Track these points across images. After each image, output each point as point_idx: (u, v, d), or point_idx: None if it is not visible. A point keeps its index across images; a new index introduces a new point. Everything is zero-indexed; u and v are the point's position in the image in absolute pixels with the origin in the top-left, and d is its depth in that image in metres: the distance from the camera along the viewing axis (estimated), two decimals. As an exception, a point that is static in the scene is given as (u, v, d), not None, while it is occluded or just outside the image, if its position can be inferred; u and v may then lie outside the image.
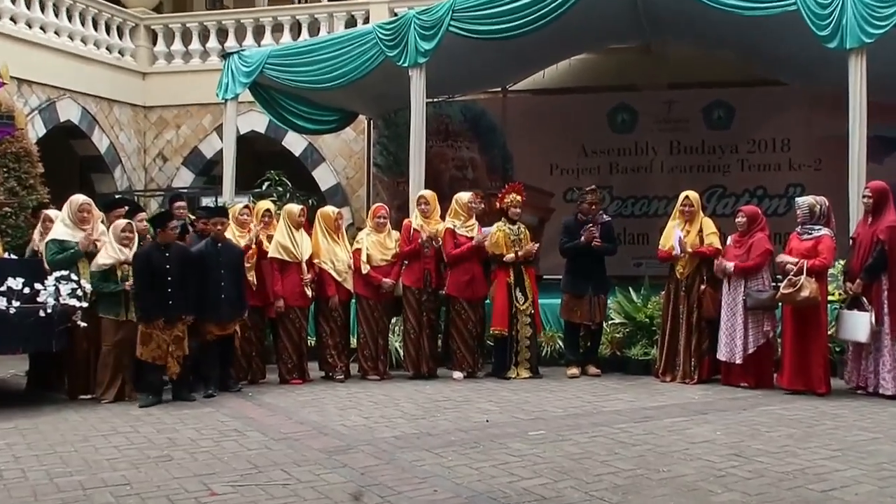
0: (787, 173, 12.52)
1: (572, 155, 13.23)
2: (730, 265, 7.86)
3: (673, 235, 8.22)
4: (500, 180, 13.40)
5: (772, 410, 6.79)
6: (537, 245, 8.59)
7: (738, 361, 7.81)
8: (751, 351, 7.78)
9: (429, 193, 8.78)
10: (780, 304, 7.60)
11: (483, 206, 9.06)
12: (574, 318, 8.58)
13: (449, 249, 8.39)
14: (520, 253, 8.39)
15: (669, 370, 8.24)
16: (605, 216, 8.83)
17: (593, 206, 8.65)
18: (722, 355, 7.91)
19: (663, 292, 8.49)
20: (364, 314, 8.47)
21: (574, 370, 8.58)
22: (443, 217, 8.68)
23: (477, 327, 8.50)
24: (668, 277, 8.35)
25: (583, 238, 8.46)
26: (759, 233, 7.88)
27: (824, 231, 7.56)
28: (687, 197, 8.25)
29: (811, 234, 7.56)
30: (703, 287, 8.05)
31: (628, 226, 12.74)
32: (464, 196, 8.62)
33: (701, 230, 8.16)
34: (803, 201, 7.70)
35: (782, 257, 7.65)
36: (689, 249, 8.11)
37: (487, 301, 8.65)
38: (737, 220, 8.04)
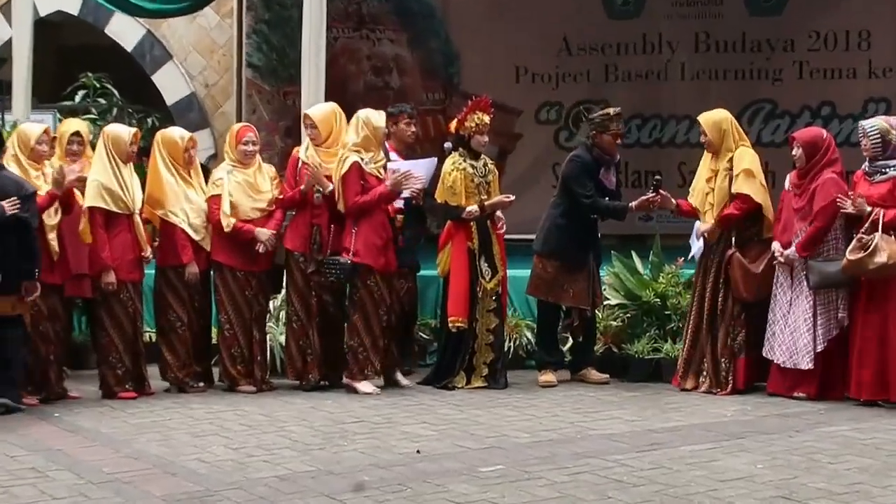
0: (865, 83, 12.75)
1: (549, 53, 13.28)
2: (791, 251, 7.82)
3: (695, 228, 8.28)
4: (440, 90, 13.41)
5: (838, 432, 6.89)
6: (511, 197, 8.62)
7: (808, 366, 7.88)
8: (820, 349, 7.86)
9: (321, 112, 8.64)
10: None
11: (414, 129, 9.04)
12: (565, 301, 8.65)
13: (353, 195, 8.32)
14: (487, 204, 8.43)
15: (692, 374, 8.38)
16: (617, 155, 8.92)
17: (619, 140, 8.76)
18: (777, 356, 8.06)
19: (680, 259, 8.61)
20: (229, 293, 8.43)
21: (549, 376, 8.66)
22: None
23: (390, 313, 8.52)
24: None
25: (633, 204, 8.57)
26: (825, 171, 7.89)
27: None
28: (697, 122, 8.37)
29: (885, 172, 7.69)
30: (730, 253, 8.14)
31: (632, 160, 12.59)
32: (375, 117, 8.51)
33: (731, 169, 8.18)
34: (871, 125, 7.81)
35: (847, 200, 7.72)
36: (704, 231, 8.19)
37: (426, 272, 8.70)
38: (793, 151, 8.09)
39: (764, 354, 8.15)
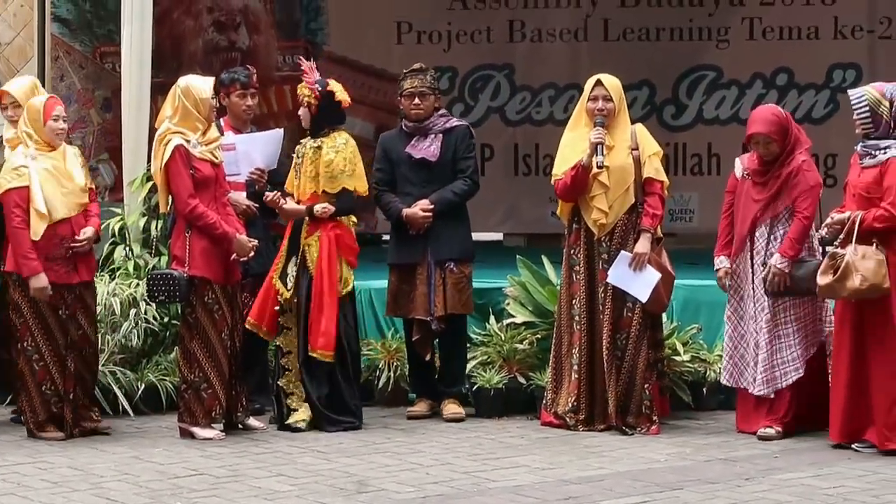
0: (829, 45, 12.97)
1: (439, 6, 13.36)
2: (779, 261, 7.82)
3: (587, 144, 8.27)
4: (301, 51, 13.30)
5: (798, 480, 6.97)
6: (329, 207, 8.45)
7: (765, 392, 7.98)
8: (793, 377, 7.94)
9: (20, 88, 8.76)
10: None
11: (251, 103, 9.12)
12: (405, 312, 8.81)
13: (186, 190, 8.20)
14: (312, 208, 8.44)
15: (589, 412, 8.36)
16: (451, 119, 9.16)
17: (423, 101, 8.92)
18: (728, 379, 8.22)
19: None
20: (37, 315, 8.34)
21: (421, 406, 8.88)
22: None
23: (233, 336, 8.45)
24: (568, 239, 8.50)
25: (406, 212, 8.74)
26: (798, 157, 7.99)
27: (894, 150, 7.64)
28: (599, 83, 8.44)
29: (875, 156, 7.74)
30: (643, 253, 8.20)
31: (542, 140, 12.79)
32: (198, 85, 8.47)
33: (636, 148, 8.37)
34: (857, 96, 7.85)
35: (831, 217, 7.75)
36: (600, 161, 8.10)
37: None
38: (761, 151, 8.05)
39: (726, 383, 8.30)
